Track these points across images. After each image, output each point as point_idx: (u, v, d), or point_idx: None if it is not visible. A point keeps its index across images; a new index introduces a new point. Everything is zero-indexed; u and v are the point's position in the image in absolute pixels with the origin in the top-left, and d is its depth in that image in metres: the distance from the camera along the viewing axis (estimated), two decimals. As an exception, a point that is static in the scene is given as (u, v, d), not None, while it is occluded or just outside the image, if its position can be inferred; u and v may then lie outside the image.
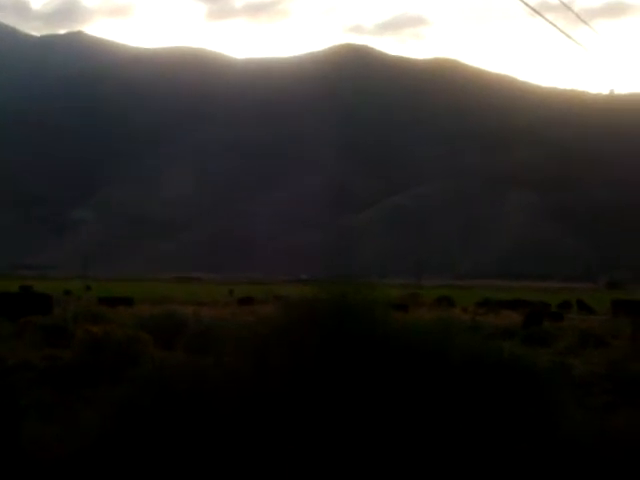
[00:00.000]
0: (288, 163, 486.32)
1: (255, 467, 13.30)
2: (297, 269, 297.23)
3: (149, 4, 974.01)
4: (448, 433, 14.02)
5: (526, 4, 20.41)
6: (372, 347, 14.24)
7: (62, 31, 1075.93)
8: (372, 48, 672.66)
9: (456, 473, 13.55)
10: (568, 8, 24.66)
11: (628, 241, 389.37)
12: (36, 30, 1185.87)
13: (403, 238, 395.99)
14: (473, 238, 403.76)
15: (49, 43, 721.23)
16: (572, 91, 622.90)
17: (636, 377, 26.23)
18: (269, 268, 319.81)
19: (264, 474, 13.22)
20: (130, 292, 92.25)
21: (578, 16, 24.98)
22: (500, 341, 23.70)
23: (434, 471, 13.51)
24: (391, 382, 13.95)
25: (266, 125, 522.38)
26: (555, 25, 22.59)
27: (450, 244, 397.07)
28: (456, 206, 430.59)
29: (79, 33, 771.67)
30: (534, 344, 35.50)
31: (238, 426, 13.70)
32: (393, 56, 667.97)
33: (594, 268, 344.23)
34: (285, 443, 13.43)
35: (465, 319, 44.26)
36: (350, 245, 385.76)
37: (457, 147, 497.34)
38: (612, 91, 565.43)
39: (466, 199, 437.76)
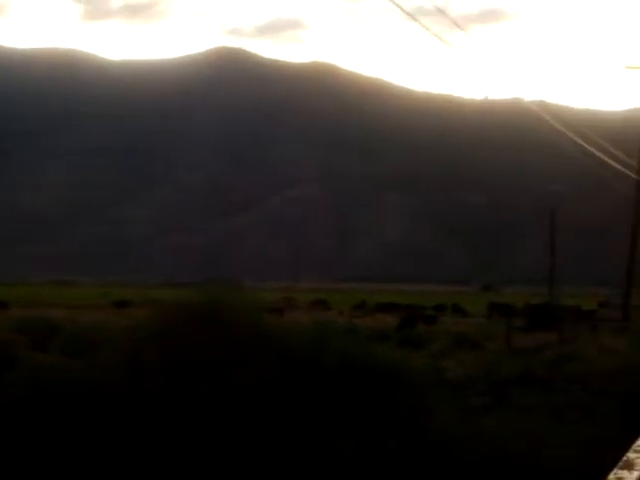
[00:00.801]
0: (165, 165, 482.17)
1: (129, 468, 13.06)
2: (174, 272, 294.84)
3: (23, 4, 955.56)
4: (323, 434, 13.95)
5: (401, 9, 20.52)
6: (246, 350, 14.08)
7: None
8: (249, 51, 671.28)
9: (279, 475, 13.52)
10: (443, 13, 24.95)
11: (502, 244, 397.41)
12: None
13: (280, 241, 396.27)
14: (349, 241, 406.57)
15: None
16: (447, 96, 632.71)
17: (509, 379, 26.62)
18: (146, 271, 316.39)
19: (137, 474, 12.99)
20: (4, 295, 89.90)
21: (453, 21, 25.28)
22: (375, 344, 23.77)
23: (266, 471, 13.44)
24: (265, 385, 13.81)
25: (144, 127, 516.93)
26: (429, 30, 22.81)
27: (327, 247, 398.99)
28: (332, 209, 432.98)
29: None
30: (409, 347, 35.78)
31: (112, 428, 13.43)
32: (270, 59, 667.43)
33: (469, 271, 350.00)
34: (158, 445, 13.21)
35: (340, 322, 44.31)
36: (227, 248, 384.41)
37: (333, 150, 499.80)
38: (486, 97, 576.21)
39: (342, 202, 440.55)
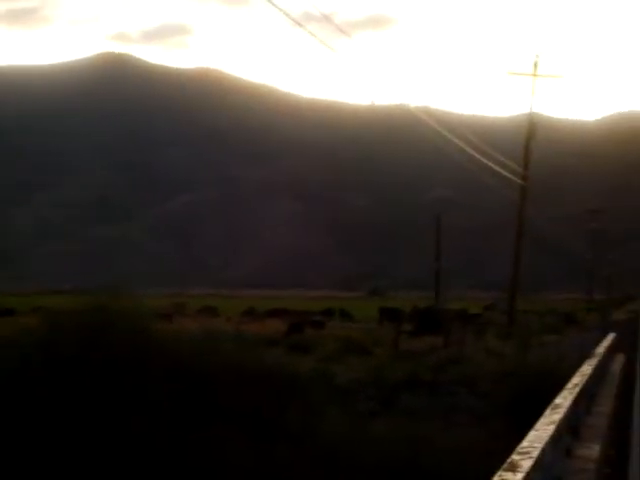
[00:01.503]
0: (49, 172, 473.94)
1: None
2: (61, 279, 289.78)
3: None
4: (213, 439, 13.90)
5: (288, 15, 20.56)
6: (133, 357, 13.95)
7: None
8: (135, 57, 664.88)
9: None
10: (328, 19, 25.07)
11: (389, 249, 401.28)
12: None
13: (169, 247, 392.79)
14: (239, 247, 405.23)
15: None
16: (332, 101, 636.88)
17: (397, 383, 26.86)
18: (27, 278, 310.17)
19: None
20: None
21: (339, 27, 25.43)
22: (264, 350, 23.74)
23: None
24: (153, 390, 13.69)
25: (24, 132, 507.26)
26: (315, 36, 22.88)
27: (216, 253, 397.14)
28: (222, 215, 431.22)
29: None
30: (298, 352, 35.82)
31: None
32: (156, 65, 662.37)
33: (357, 276, 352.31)
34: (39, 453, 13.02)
35: (228, 329, 44.10)
36: (115, 254, 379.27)
37: (221, 155, 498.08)
38: (373, 102, 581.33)
39: (232, 208, 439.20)
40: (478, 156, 44.34)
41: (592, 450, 14.51)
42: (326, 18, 24.32)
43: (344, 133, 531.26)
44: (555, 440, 10.06)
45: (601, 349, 27.59)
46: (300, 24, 21.33)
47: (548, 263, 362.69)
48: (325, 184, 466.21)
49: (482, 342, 41.96)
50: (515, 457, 7.86)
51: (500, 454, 8.21)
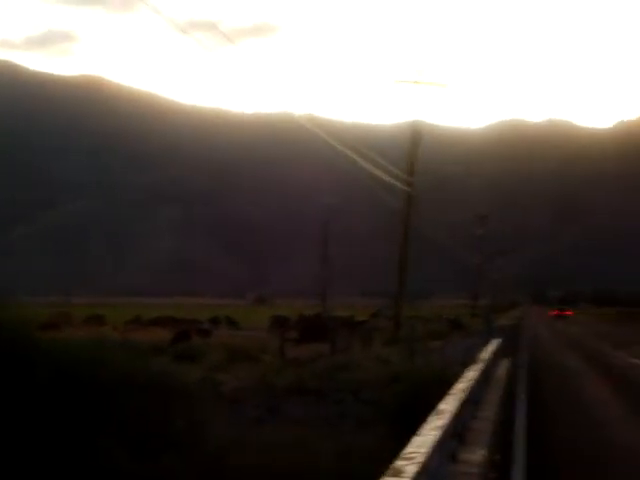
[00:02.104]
0: None
1: None
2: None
3: None
4: (98, 449, 13.64)
5: (173, 23, 20.34)
6: (14, 366, 13.60)
7: None
8: (18, 64, 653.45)
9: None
10: (214, 27, 24.93)
11: (275, 257, 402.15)
12: None
13: (54, 255, 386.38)
14: (124, 255, 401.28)
15: None
16: (217, 109, 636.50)
17: (283, 391, 26.81)
18: None
19: None
20: None
21: (224, 35, 25.29)
22: (150, 358, 23.44)
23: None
24: (39, 400, 13.37)
25: None
26: (201, 43, 22.71)
27: (101, 261, 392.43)
28: (106, 223, 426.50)
29: None
30: (184, 360, 35.54)
31: None
32: (39, 72, 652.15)
33: (243, 284, 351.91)
34: None
35: (115, 337, 43.54)
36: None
37: (105, 163, 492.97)
38: (257, 111, 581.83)
39: (116, 216, 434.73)
40: (364, 164, 44.59)
41: (477, 455, 14.64)
42: (211, 26, 24.19)
43: (230, 140, 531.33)
44: (440, 445, 10.08)
45: (486, 354, 27.97)
46: (185, 31, 21.15)
47: (435, 269, 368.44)
48: (210, 191, 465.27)
49: (369, 349, 42.21)
50: (399, 462, 7.83)
51: (386, 460, 8.17)
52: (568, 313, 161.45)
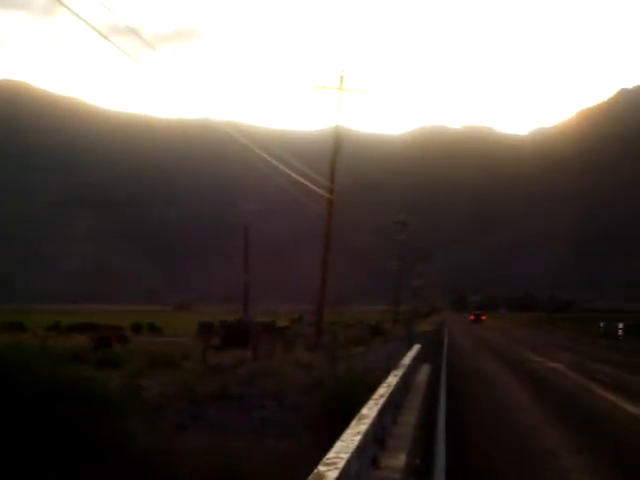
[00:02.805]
0: None
1: None
2: None
3: None
4: (17, 458, 13.54)
5: (94, 29, 20.26)
6: None
7: None
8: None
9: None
10: (135, 33, 24.86)
11: (197, 262, 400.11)
12: None
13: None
14: (43, 261, 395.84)
15: None
16: (140, 115, 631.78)
17: (206, 397, 26.76)
18: None
19: None
20: None
21: (145, 41, 25.23)
22: (71, 365, 23.25)
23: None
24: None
25: None
26: (122, 50, 22.64)
27: (19, 267, 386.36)
28: (24, 228, 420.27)
29: None
30: (106, 367, 35.27)
31: None
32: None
33: (165, 290, 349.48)
34: None
35: (35, 344, 42.95)
36: None
37: (26, 169, 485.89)
38: (180, 117, 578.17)
39: (34, 221, 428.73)
40: (286, 170, 44.72)
41: (398, 460, 14.82)
42: (133, 31, 24.10)
43: (152, 146, 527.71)
44: (361, 450, 10.23)
45: (406, 360, 28.24)
46: (107, 37, 21.06)
47: (357, 275, 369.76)
48: (132, 197, 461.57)
49: (291, 355, 42.30)
50: (321, 468, 7.94)
51: (309, 466, 8.28)
52: (483, 318, 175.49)
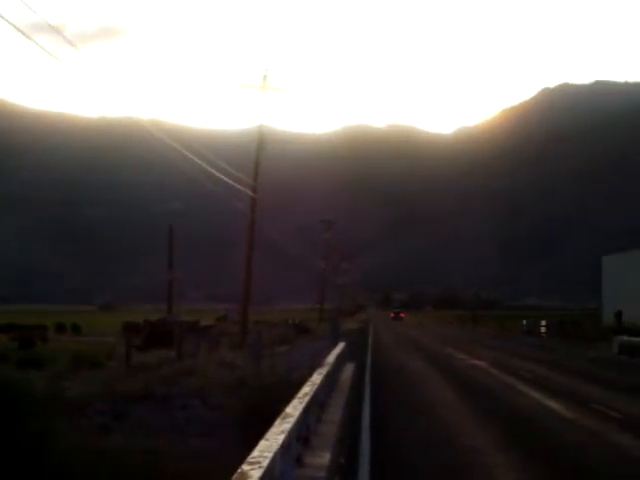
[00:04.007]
0: None
1: None
2: None
3: None
4: None
5: (14, 26, 19.97)
6: None
7: None
8: None
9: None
10: (56, 31, 24.54)
11: (122, 262, 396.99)
12: None
13: None
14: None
15: None
16: (63, 114, 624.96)
17: (130, 397, 26.57)
18: None
19: None
20: None
21: (66, 39, 24.94)
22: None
23: None
24: None
25: None
26: (43, 48, 22.35)
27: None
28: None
29: None
30: (28, 367, 34.84)
31: None
32: None
33: (89, 289, 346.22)
34: None
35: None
36: None
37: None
38: (103, 115, 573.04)
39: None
40: (210, 169, 44.56)
41: (323, 459, 14.87)
42: (55, 29, 23.79)
43: (76, 145, 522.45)
44: (285, 449, 10.25)
45: (331, 358, 28.33)
46: (28, 35, 20.76)
47: (282, 274, 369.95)
48: (56, 196, 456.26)
49: (215, 354, 42.15)
50: (245, 467, 7.94)
51: (233, 465, 8.27)
52: (402, 315, 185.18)
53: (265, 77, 52.55)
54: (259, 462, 8.26)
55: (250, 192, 51.82)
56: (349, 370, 36.86)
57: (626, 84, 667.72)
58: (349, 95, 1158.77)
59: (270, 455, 8.72)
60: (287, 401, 14.52)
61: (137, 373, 33.93)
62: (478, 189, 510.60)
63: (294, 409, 13.21)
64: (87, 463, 15.08)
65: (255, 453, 8.82)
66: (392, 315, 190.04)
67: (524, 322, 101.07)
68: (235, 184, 48.95)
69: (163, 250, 64.63)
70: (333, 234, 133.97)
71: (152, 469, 14.94)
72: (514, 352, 58.31)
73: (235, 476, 7.50)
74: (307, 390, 16.61)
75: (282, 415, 12.33)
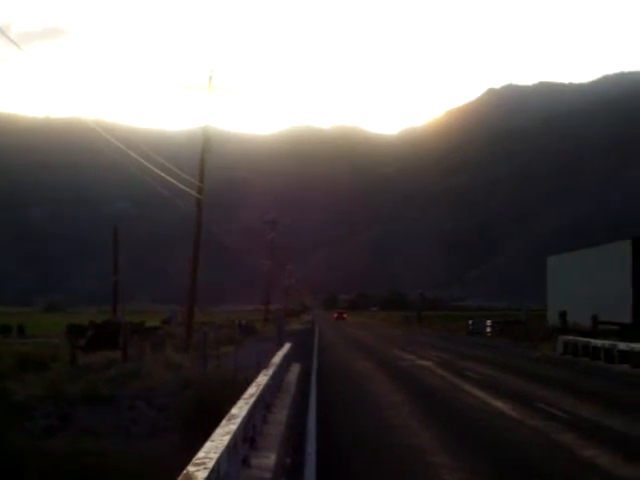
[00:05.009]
0: None
1: None
2: None
3: None
4: None
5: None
6: None
7: None
8: None
9: None
10: (1, 32, 24.37)
11: (67, 263, 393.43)
12: None
13: None
14: None
15: None
16: (7, 114, 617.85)
17: (75, 398, 26.43)
18: None
19: None
20: None
21: (9, 39, 24.76)
22: None
23: None
24: None
25: None
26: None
27: None
28: None
29: None
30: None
31: None
32: None
33: (33, 290, 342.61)
34: None
35: None
36: None
37: None
38: (48, 115, 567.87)
39: None
40: (155, 169, 44.38)
41: (269, 459, 14.94)
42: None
43: (20, 145, 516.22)
44: (231, 450, 10.30)
45: (277, 359, 28.41)
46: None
47: (228, 274, 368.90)
48: (0, 197, 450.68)
49: (161, 355, 42.00)
50: (191, 468, 7.98)
51: (180, 467, 8.29)
52: (344, 316, 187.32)
53: (210, 78, 52.42)
54: (204, 463, 8.31)
55: (196, 193, 51.67)
56: (295, 371, 37.00)
57: (570, 85, 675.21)
58: (295, 96, 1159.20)
59: (216, 456, 8.77)
60: (233, 402, 14.55)
61: (82, 375, 33.75)
62: (423, 189, 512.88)
63: (240, 410, 13.26)
64: (32, 465, 15.00)
65: (200, 454, 8.86)
66: (335, 316, 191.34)
67: (470, 322, 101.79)
68: (181, 185, 48.79)
69: (109, 251, 64.18)
70: (278, 234, 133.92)
71: (98, 471, 14.90)
72: (460, 352, 58.66)
73: (180, 477, 7.54)
74: (253, 391, 16.66)
75: (228, 416, 12.37)
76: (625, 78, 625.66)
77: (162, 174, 45.22)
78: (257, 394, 16.28)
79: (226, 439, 10.10)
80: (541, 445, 18.61)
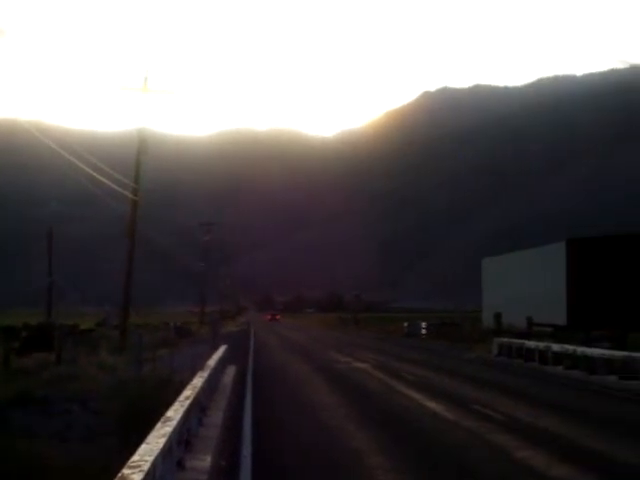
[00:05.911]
0: None
1: None
2: None
3: None
4: None
5: None
6: None
7: None
8: None
9: None
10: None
11: (0, 265, 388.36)
12: None
13: None
14: None
15: None
16: None
17: (8, 402, 26.13)
18: None
19: None
20: None
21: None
22: None
23: None
24: None
25: None
26: None
27: None
28: None
29: None
30: None
31: None
32: None
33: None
34: None
35: None
36: None
37: None
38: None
39: None
40: (90, 171, 44.04)
41: (204, 462, 14.93)
42: None
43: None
44: (166, 452, 10.29)
45: (212, 361, 28.37)
46: None
47: (163, 276, 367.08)
48: None
49: (95, 358, 41.66)
50: (126, 471, 7.97)
51: (114, 470, 8.28)
52: (277, 317, 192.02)
53: (146, 79, 52.14)
54: (139, 466, 8.31)
55: (131, 194, 51.35)
56: (231, 373, 36.96)
57: (505, 88, 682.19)
58: (231, 98, 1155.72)
59: (151, 459, 8.77)
60: (169, 405, 14.52)
61: (16, 377, 33.38)
62: (360, 191, 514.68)
63: (175, 412, 13.25)
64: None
65: (135, 457, 8.85)
66: (268, 317, 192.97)
67: (405, 324, 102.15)
68: (115, 186, 48.46)
69: (41, 252, 63.55)
70: (214, 236, 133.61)
71: (31, 475, 14.76)
72: (396, 354, 58.84)
73: (116, 480, 7.53)
74: (188, 393, 16.65)
75: (163, 419, 12.35)
76: (560, 81, 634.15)
77: (97, 175, 44.91)
78: (192, 396, 16.27)
79: (161, 442, 10.09)
80: (477, 446, 18.76)
